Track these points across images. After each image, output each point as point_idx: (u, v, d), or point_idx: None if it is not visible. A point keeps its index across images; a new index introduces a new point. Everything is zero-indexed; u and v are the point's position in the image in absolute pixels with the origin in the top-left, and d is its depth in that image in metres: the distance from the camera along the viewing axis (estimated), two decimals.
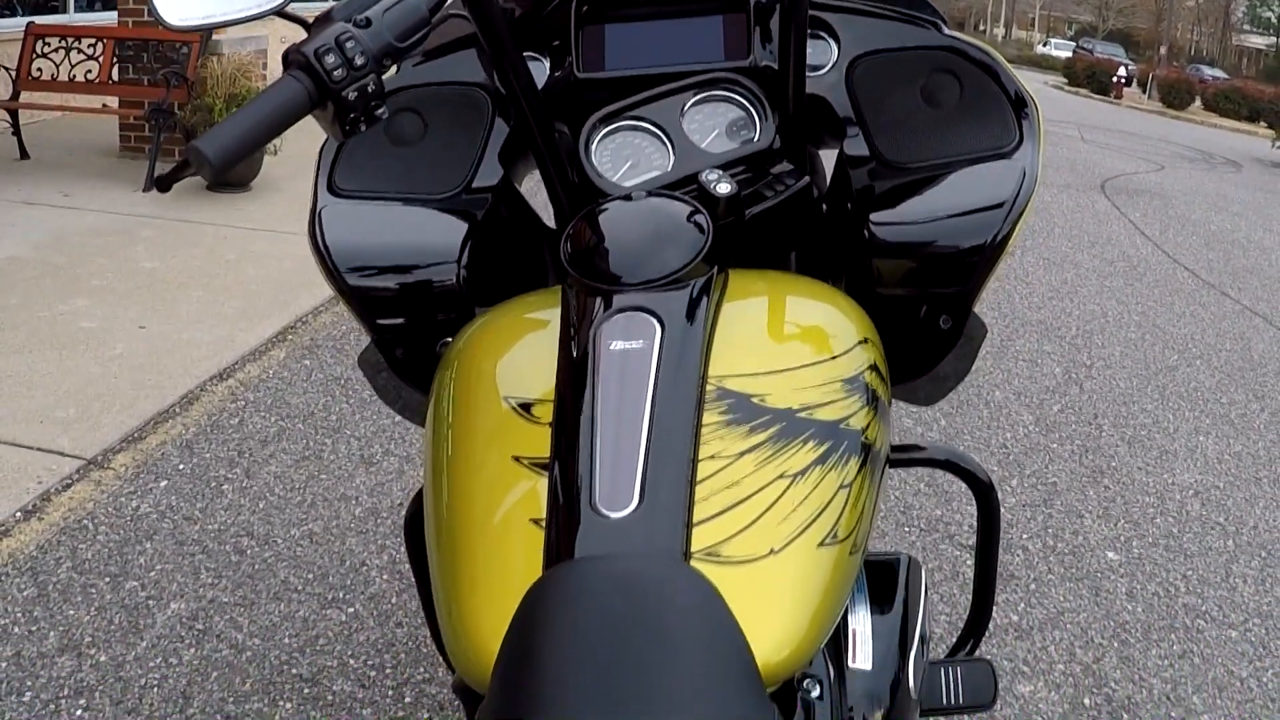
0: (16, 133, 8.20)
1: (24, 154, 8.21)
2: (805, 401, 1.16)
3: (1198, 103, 33.70)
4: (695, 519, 1.04)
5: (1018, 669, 3.05)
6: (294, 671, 2.85)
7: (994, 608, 3.24)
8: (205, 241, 6.40)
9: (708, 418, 1.12)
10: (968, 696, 1.74)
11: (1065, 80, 43.45)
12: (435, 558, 1.16)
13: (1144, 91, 37.86)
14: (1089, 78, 40.19)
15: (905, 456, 1.67)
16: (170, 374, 4.56)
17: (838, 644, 1.43)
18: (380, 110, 1.26)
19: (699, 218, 1.29)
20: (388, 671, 2.86)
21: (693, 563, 1.00)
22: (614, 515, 1.03)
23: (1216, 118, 18.21)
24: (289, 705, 2.74)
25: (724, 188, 1.37)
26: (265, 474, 3.84)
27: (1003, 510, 3.75)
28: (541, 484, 1.11)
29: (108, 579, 3.20)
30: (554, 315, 1.31)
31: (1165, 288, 6.91)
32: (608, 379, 1.14)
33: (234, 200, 7.30)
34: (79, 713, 2.69)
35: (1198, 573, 3.65)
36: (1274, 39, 67.90)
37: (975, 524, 1.77)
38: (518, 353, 1.32)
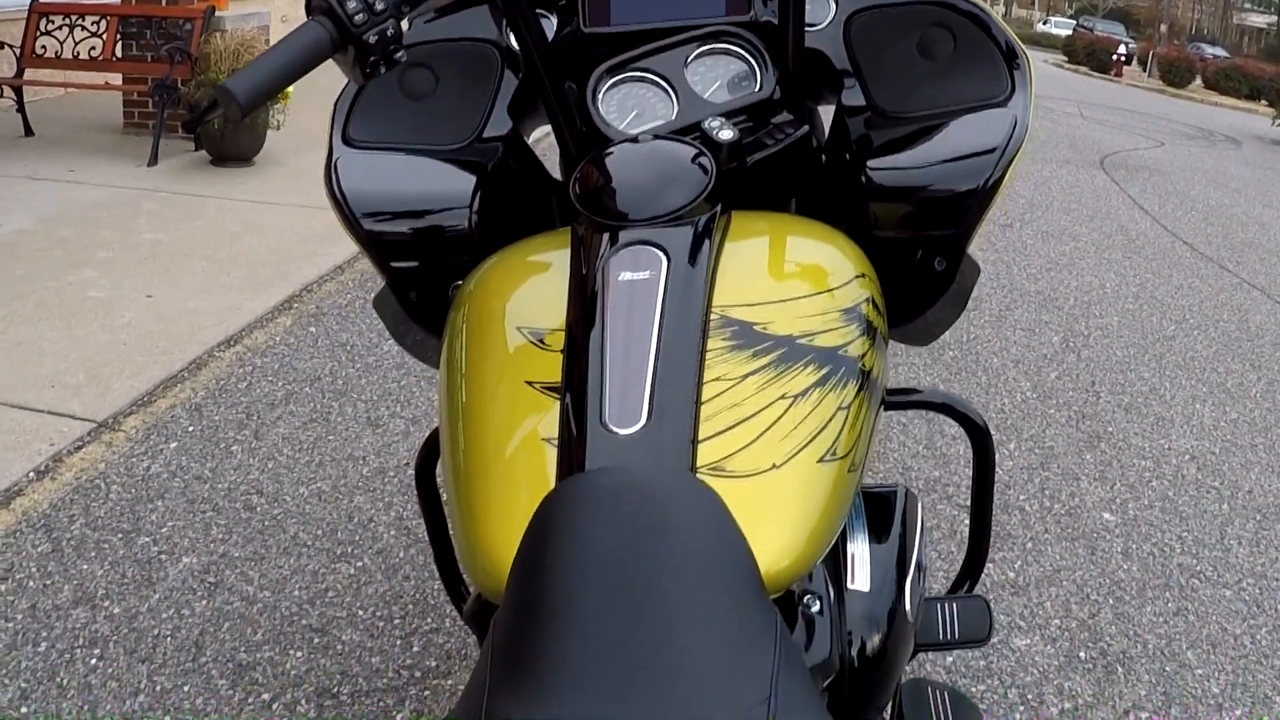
0: (21, 110, 8.23)
1: (29, 131, 8.24)
2: (805, 329, 1.22)
3: (1198, 81, 33.66)
4: (701, 436, 1.10)
5: (1014, 623, 3.11)
6: (304, 622, 2.91)
7: (991, 564, 3.31)
8: (209, 214, 6.44)
9: (712, 344, 1.18)
10: (964, 632, 1.79)
11: (1065, 58, 43.36)
12: (451, 482, 1.21)
13: (1144, 70, 37.81)
14: (1089, 56, 40.11)
15: (903, 399, 1.72)
16: (178, 341, 4.62)
17: (837, 566, 1.49)
18: (399, 54, 1.31)
19: (703, 159, 1.34)
20: (396, 622, 2.92)
21: (698, 476, 1.06)
22: (623, 432, 1.09)
23: (1217, 96, 18.24)
24: (299, 654, 2.79)
25: (726, 134, 1.43)
26: (274, 435, 3.90)
27: (1000, 473, 3.81)
28: (553, 406, 1.16)
29: (120, 535, 3.26)
30: (563, 254, 1.37)
31: (1163, 261, 6.95)
32: (616, 307, 1.20)
33: (237, 174, 7.35)
34: (94, 662, 2.75)
35: (1193, 534, 3.70)
36: (1275, 17, 67.81)
37: (971, 472, 1.82)
38: (529, 287, 1.38)
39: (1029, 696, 2.83)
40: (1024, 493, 3.85)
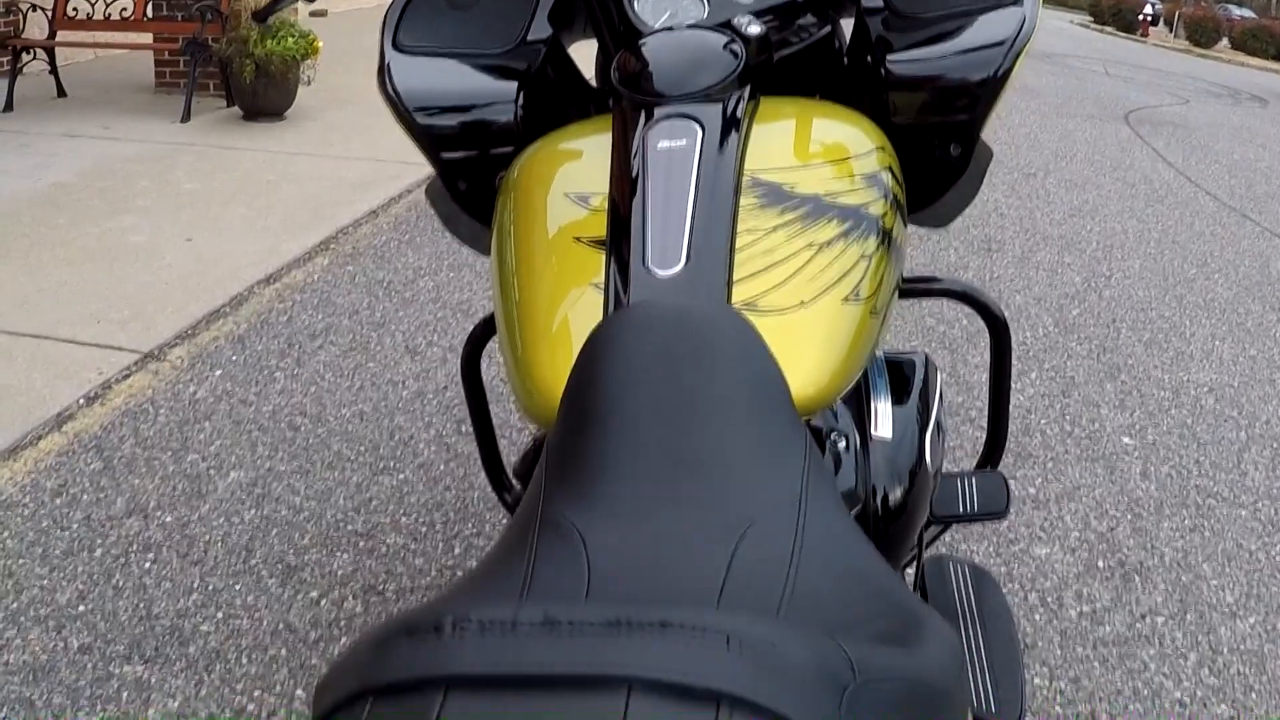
0: (54, 72, 8.34)
1: (61, 92, 8.36)
2: (830, 189, 1.33)
3: (1225, 41, 33.36)
4: (735, 278, 1.21)
5: (1034, 534, 3.21)
6: (349, 528, 3.03)
7: (1013, 481, 3.40)
8: (244, 165, 6.55)
9: (744, 202, 1.29)
10: (983, 505, 1.90)
11: (1091, 19, 43.08)
12: (505, 334, 1.32)
13: (1170, 30, 37.57)
14: (1114, 15, 39.79)
15: (924, 287, 1.82)
16: (219, 280, 4.74)
17: (862, 416, 1.59)
18: None
19: (734, 46, 1.45)
20: (438, 528, 3.04)
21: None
22: (664, 273, 1.20)
23: (1244, 56, 18.18)
24: (345, 556, 2.91)
25: (754, 29, 1.53)
26: (315, 363, 4.02)
27: (1022, 399, 3.91)
28: (599, 256, 1.27)
29: (169, 453, 3.38)
30: (604, 135, 1.48)
31: (1186, 209, 7.01)
32: (656, 170, 1.31)
33: (270, 128, 7.45)
34: (147, 565, 2.87)
35: (1210, 459, 3.79)
36: None
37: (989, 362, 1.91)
38: (572, 161, 1.48)
39: (1049, 600, 2.93)
40: (1044, 418, 3.94)
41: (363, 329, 4.32)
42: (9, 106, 7.75)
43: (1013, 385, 3.98)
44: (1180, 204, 7.11)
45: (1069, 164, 7.84)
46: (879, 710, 0.68)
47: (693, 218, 1.25)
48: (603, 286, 1.24)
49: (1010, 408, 2.01)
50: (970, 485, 1.92)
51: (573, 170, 1.45)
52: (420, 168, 6.35)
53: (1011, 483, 3.37)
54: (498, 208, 1.50)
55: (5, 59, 8.29)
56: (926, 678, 0.80)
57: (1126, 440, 3.84)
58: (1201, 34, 32.97)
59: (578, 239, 1.32)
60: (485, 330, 1.88)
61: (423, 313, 4.49)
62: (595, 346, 1.10)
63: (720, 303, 1.18)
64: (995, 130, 7.03)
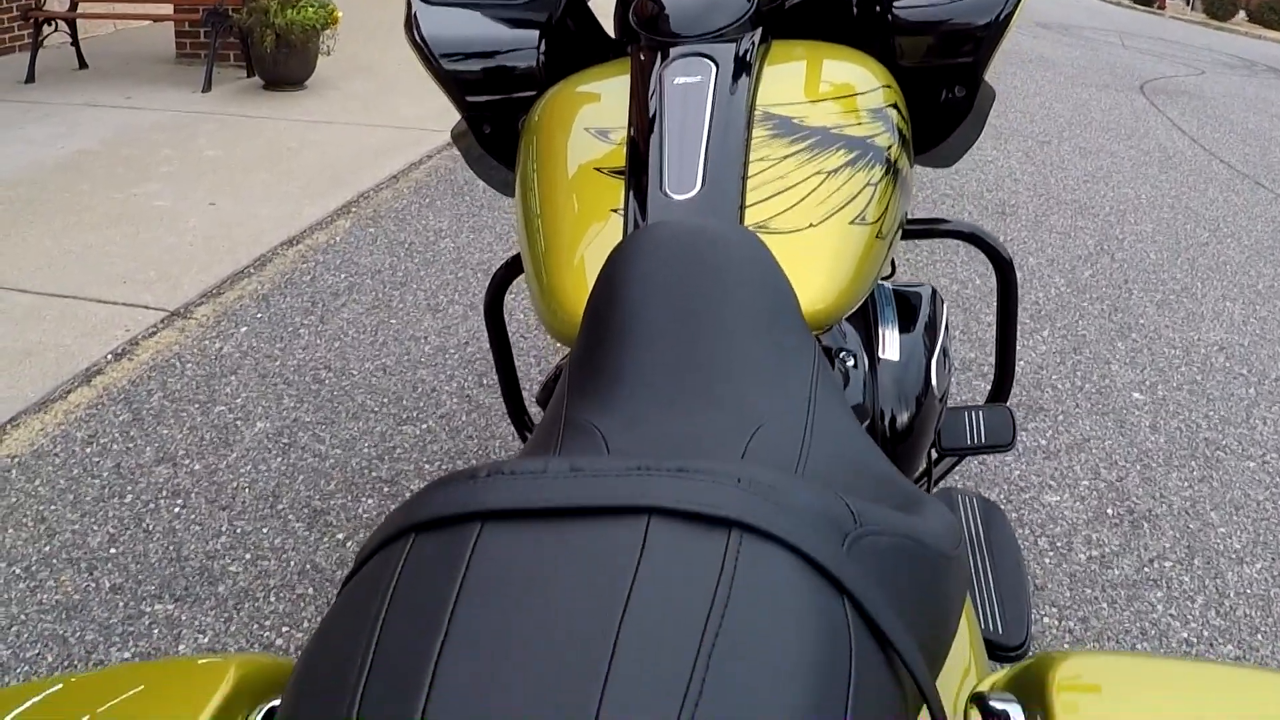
0: (75, 43, 8.40)
1: (82, 64, 8.42)
2: (838, 122, 1.40)
3: (1242, 15, 33.21)
4: (747, 202, 1.28)
5: (1045, 483, 3.27)
6: (374, 474, 3.10)
7: (1024, 433, 3.46)
8: (265, 133, 6.62)
9: (756, 134, 1.36)
10: (990, 436, 1.96)
11: None
12: (530, 260, 1.39)
13: (1187, 3, 37.39)
14: None
15: (932, 228, 1.88)
16: (242, 242, 4.81)
17: (870, 339, 1.66)
18: None
19: None
20: None
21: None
22: (680, 197, 1.28)
23: (1261, 29, 18.15)
24: (370, 501, 2.99)
25: None
26: (339, 320, 4.09)
27: (1034, 355, 3.96)
28: (619, 185, 1.35)
29: (197, 405, 3.46)
30: (621, 77, 1.55)
31: (1200, 176, 7.03)
32: (672, 104, 1.38)
33: (290, 97, 7.51)
34: (177, 509, 2.95)
35: (1219, 413, 3.84)
36: None
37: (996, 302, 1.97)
38: (592, 100, 1.55)
39: (1058, 545, 2.99)
40: (1056, 373, 3.99)
41: (385, 288, 4.39)
42: (31, 78, 7.82)
43: (1025, 344, 4.04)
44: (1194, 171, 7.14)
45: (1084, 132, 7.87)
46: (879, 558, 0.74)
47: (707, 146, 1.33)
48: (622, 211, 1.31)
49: (1017, 347, 2.07)
50: (978, 418, 1.98)
51: (593, 108, 1.52)
52: (440, 135, 6.41)
53: (1023, 434, 3.44)
54: (521, 146, 1.58)
55: (27, 31, 8.36)
56: (925, 540, 0.86)
57: (1137, 395, 3.89)
58: (1218, 7, 32.76)
59: (598, 169, 1.39)
60: (507, 274, 1.95)
61: (444, 273, 4.56)
62: (615, 264, 1.16)
63: (734, 222, 1.25)
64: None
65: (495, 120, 1.80)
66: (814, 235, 1.28)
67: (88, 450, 3.21)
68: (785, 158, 1.35)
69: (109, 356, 3.76)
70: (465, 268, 4.62)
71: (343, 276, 4.49)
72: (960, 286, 4.67)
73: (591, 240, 1.32)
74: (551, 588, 0.64)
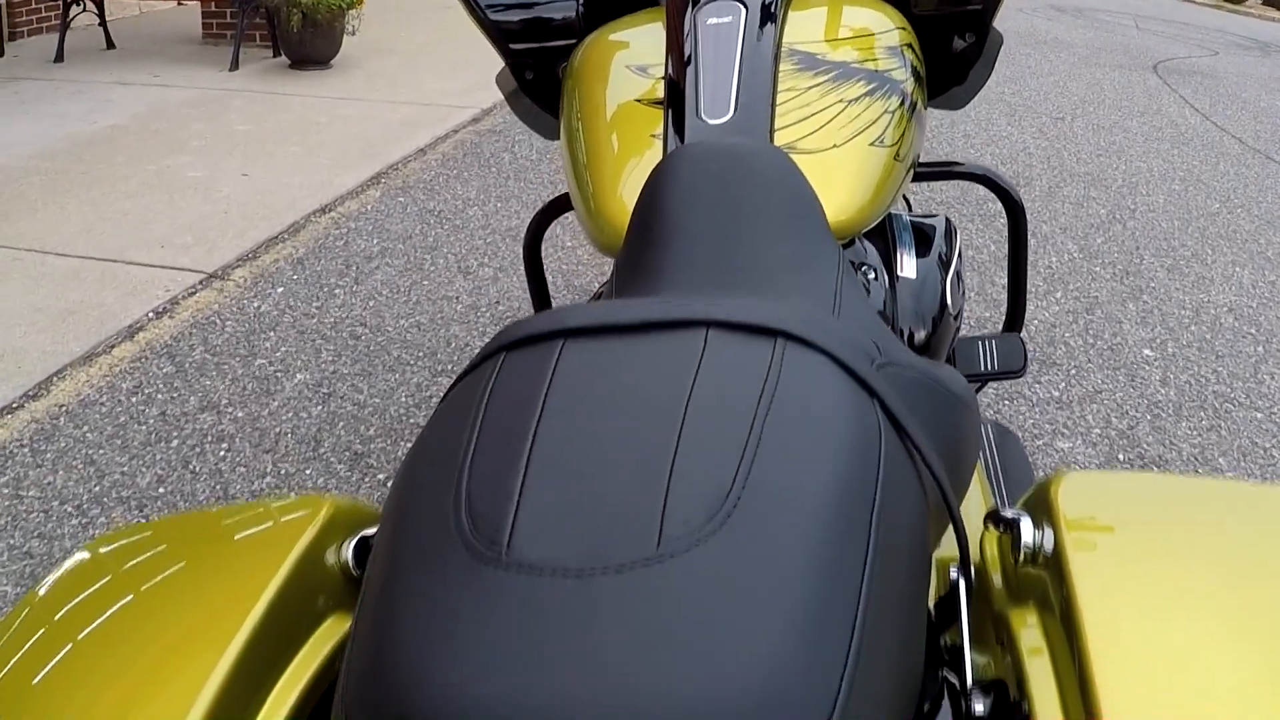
0: (103, 23, 8.52)
1: (110, 44, 8.54)
2: (858, 58, 1.54)
3: None
4: (776, 126, 1.41)
5: (1058, 430, 3.38)
6: (412, 421, 3.23)
7: (1038, 385, 3.58)
8: (294, 108, 6.74)
9: (783, 66, 1.50)
10: (1002, 364, 2.08)
11: None
12: (576, 185, 1.52)
13: None
14: None
15: (944, 170, 2.01)
16: (276, 209, 4.93)
17: (889, 258, 1.78)
18: None
19: None
20: None
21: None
22: (715, 121, 1.41)
23: (1275, 12, 18.19)
24: (408, 444, 3.11)
25: None
26: (373, 281, 4.22)
27: (1046, 315, 4.07)
28: (658, 113, 1.48)
29: (238, 358, 3.59)
30: (657, 20, 1.68)
31: (1211, 151, 7.11)
32: (705, 41, 1.51)
33: (316, 76, 7.63)
34: (221, 453, 3.08)
35: (1228, 369, 3.94)
36: None
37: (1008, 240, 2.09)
38: (631, 42, 1.68)
39: None
40: (1069, 331, 4.10)
41: (416, 252, 4.52)
42: (60, 57, 7.94)
43: (1039, 304, 4.15)
44: (1206, 146, 7.22)
45: (1097, 109, 7.95)
46: (903, 386, 0.86)
47: (739, 77, 1.46)
48: (662, 136, 1.44)
49: (1030, 308, 2.19)
50: (991, 346, 2.10)
51: (631, 49, 1.65)
52: (465, 111, 6.55)
53: (1036, 386, 3.56)
54: (565, 89, 1.70)
55: (55, 12, 8.49)
56: (944, 383, 0.98)
57: (1147, 352, 4.00)
58: None
59: (638, 101, 1.52)
60: (544, 218, 2.08)
61: (473, 238, 4.68)
62: (659, 178, 1.28)
63: (765, 142, 1.38)
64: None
65: (537, 67, 1.93)
66: (837, 155, 1.41)
67: (133, 400, 3.34)
68: (809, 88, 1.48)
69: (150, 315, 3.89)
70: (494, 233, 4.74)
71: (375, 242, 4.62)
72: (975, 252, 4.78)
73: (634, 161, 1.45)
74: (625, 386, 0.77)
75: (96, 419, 3.24)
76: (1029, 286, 4.30)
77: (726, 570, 0.62)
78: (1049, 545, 0.89)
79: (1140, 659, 0.74)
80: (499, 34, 1.91)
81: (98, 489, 2.93)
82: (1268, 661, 0.73)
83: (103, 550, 1.01)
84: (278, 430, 3.18)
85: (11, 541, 2.72)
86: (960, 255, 1.98)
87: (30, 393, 3.37)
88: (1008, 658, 0.90)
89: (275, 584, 0.87)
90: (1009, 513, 0.93)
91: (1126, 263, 4.88)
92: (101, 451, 3.09)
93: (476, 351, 3.59)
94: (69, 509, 2.85)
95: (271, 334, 3.76)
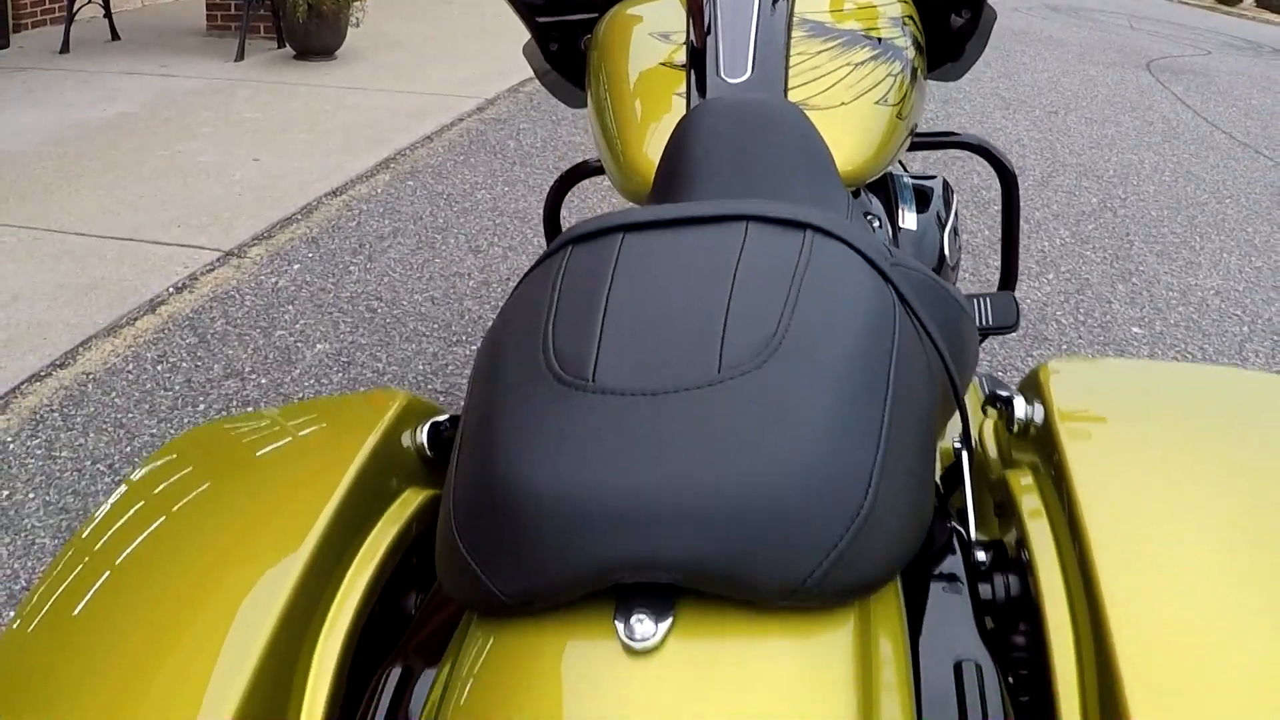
0: (108, 15, 8.62)
1: (115, 36, 8.65)
2: (863, 27, 1.69)
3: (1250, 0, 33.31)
4: (789, 86, 1.55)
5: None
6: (430, 387, 3.36)
7: (1030, 359, 3.70)
8: (301, 97, 6.86)
9: (794, 34, 1.64)
10: (996, 319, 2.21)
11: None
12: (605, 142, 1.66)
13: None
14: None
15: (940, 140, 2.15)
16: (288, 192, 5.06)
17: (891, 211, 1.92)
18: None
19: None
20: None
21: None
22: (734, 80, 1.55)
23: (1269, 14, 18.36)
24: None
25: None
26: (386, 259, 4.34)
27: (1039, 295, 4.21)
28: (681, 74, 1.62)
29: (259, 330, 3.72)
30: None
31: (1202, 145, 7.24)
32: (724, 8, 1.65)
33: (322, 66, 7.74)
34: None
35: (1214, 345, 4.07)
36: None
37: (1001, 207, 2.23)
38: (653, 12, 1.81)
39: None
40: (1060, 310, 4.23)
41: (427, 232, 4.64)
42: (66, 49, 8.04)
43: (1031, 285, 4.28)
44: (1196, 140, 7.35)
45: (1090, 104, 8.08)
46: (910, 285, 0.99)
47: (755, 40, 1.60)
48: (685, 94, 1.59)
49: (1022, 287, 2.32)
50: (987, 303, 2.23)
51: (652, 18, 1.79)
52: (469, 101, 6.69)
53: (1027, 359, 3.69)
54: (590, 58, 1.84)
55: (59, 4, 8.60)
56: (948, 290, 1.11)
57: (1136, 330, 4.13)
58: None
59: (662, 64, 1.66)
60: (563, 184, 2.22)
61: (482, 219, 4.81)
62: (684, 129, 1.41)
63: (780, 97, 1.53)
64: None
65: (561, 39, 2.06)
66: (845, 111, 1.56)
67: (159, 368, 3.46)
68: (819, 52, 1.63)
69: (170, 289, 4.01)
70: (502, 215, 4.87)
71: (386, 223, 4.74)
72: (969, 235, 4.91)
73: (660, 116, 1.59)
74: (681, 263, 0.91)
75: (124, 385, 3.36)
76: (1021, 269, 4.43)
77: (774, 390, 0.76)
78: (1039, 418, 1.02)
79: (1128, 512, 0.87)
80: (526, 7, 2.04)
81: (129, 449, 3.05)
82: (1238, 505, 0.87)
83: (196, 439, 1.14)
84: (301, 395, 3.30)
85: (47, 498, 2.84)
86: (956, 213, 2.12)
87: (57, 362, 3.49)
88: (1011, 530, 1.03)
89: (358, 462, 1.01)
90: (1003, 392, 1.07)
91: (1116, 248, 5.01)
92: (130, 415, 3.21)
93: (495, 314, 3.73)
94: (101, 468, 2.97)
95: (290, 307, 3.88)
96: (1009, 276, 2.33)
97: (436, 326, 3.75)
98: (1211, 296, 4.54)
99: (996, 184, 2.18)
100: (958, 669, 0.83)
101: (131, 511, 1.00)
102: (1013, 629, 0.94)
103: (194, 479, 1.05)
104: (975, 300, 2.25)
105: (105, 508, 1.01)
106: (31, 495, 2.85)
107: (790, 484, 0.72)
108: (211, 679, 0.79)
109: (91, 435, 3.11)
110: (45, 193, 4.94)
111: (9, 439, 3.08)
